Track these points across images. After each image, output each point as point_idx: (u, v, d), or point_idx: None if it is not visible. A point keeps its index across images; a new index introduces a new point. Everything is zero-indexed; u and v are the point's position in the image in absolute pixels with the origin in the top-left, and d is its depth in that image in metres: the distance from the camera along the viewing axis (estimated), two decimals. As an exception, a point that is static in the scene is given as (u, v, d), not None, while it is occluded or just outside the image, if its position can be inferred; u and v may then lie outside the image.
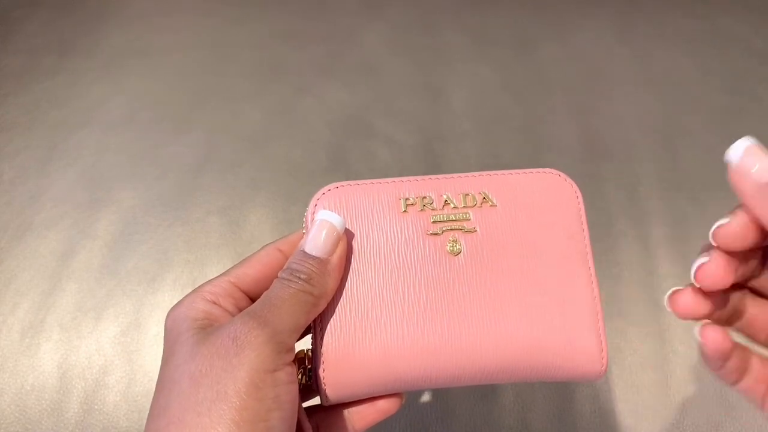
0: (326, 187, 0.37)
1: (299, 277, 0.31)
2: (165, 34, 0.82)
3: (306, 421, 0.34)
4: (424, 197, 0.38)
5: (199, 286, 0.33)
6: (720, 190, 0.67)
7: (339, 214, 0.35)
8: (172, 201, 0.67)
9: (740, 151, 0.27)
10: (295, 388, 0.30)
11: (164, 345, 0.31)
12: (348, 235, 0.36)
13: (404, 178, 0.38)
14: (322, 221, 0.33)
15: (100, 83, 0.77)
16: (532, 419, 0.57)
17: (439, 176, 0.39)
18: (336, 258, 0.33)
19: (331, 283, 0.33)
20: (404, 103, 0.75)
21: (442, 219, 0.37)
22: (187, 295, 0.32)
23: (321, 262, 0.32)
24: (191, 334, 0.29)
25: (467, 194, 0.38)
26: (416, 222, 0.37)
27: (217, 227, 0.65)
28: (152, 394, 0.57)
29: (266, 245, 0.36)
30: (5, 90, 0.77)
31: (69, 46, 0.81)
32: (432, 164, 0.70)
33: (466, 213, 0.38)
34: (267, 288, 0.32)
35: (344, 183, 0.38)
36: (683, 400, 0.58)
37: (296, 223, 0.65)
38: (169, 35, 0.82)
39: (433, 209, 0.37)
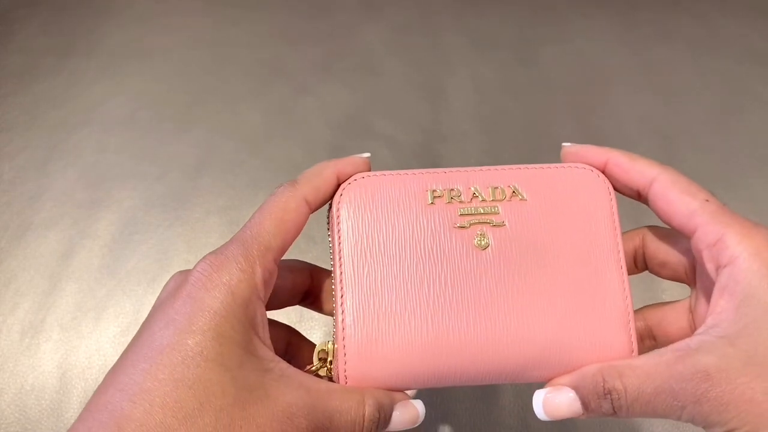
0: (351, 177, 0.37)
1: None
2: (165, 35, 0.82)
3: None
4: (452, 189, 0.37)
5: (240, 257, 0.30)
6: (720, 190, 0.67)
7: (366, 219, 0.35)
8: (172, 201, 0.67)
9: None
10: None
11: (176, 294, 0.29)
12: (376, 232, 0.36)
13: (431, 170, 0.38)
14: (415, 407, 0.34)
15: (100, 83, 0.77)
16: (532, 419, 0.57)
17: (468, 168, 0.38)
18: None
19: None
20: (404, 103, 0.75)
21: (470, 212, 0.36)
22: (225, 268, 0.30)
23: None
24: (242, 328, 0.29)
25: (496, 187, 0.37)
26: (443, 214, 0.36)
27: (217, 227, 0.65)
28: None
29: (284, 191, 0.35)
30: (5, 90, 0.77)
31: (69, 46, 0.81)
32: (432, 164, 0.70)
33: (495, 207, 0.37)
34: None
35: (370, 173, 0.37)
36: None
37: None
38: (168, 35, 0.82)
39: (461, 202, 0.37)
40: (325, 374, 0.35)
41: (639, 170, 0.34)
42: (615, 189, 0.37)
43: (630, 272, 0.37)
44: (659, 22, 0.82)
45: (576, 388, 0.31)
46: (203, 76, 0.77)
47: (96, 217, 0.67)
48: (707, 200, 0.32)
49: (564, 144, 0.38)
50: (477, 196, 0.37)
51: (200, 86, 0.76)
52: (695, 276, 0.35)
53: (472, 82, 0.76)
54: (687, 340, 0.30)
